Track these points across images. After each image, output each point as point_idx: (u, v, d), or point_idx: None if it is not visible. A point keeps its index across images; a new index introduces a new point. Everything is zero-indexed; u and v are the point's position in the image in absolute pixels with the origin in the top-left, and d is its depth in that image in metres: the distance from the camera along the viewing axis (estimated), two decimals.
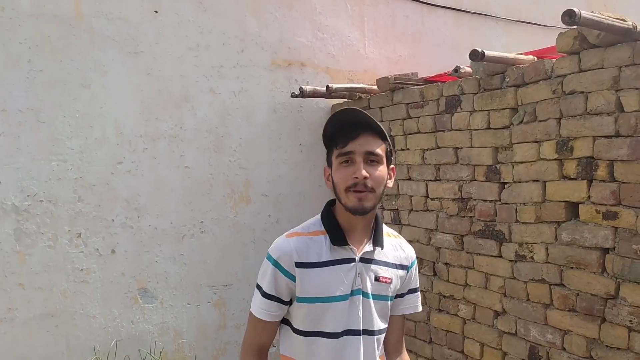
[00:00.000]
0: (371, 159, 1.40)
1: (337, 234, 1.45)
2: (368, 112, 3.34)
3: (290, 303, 1.45)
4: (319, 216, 1.51)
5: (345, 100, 3.60)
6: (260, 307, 1.45)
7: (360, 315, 1.45)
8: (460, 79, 2.71)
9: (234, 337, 3.40)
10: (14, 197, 2.89)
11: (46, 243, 2.97)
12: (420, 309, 1.64)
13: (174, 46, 3.28)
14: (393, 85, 3.08)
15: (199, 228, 3.36)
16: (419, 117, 2.96)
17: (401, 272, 1.54)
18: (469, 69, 2.67)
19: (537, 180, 2.31)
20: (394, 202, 3.19)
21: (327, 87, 3.33)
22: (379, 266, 1.49)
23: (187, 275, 3.34)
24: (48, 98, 2.95)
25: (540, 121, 2.28)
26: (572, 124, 2.14)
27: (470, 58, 2.38)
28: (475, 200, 2.64)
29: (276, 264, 1.42)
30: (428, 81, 3.07)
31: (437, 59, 4.13)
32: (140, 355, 3.16)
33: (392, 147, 1.50)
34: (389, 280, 1.50)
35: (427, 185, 2.93)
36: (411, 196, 3.05)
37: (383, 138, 1.45)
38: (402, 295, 1.57)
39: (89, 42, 3.06)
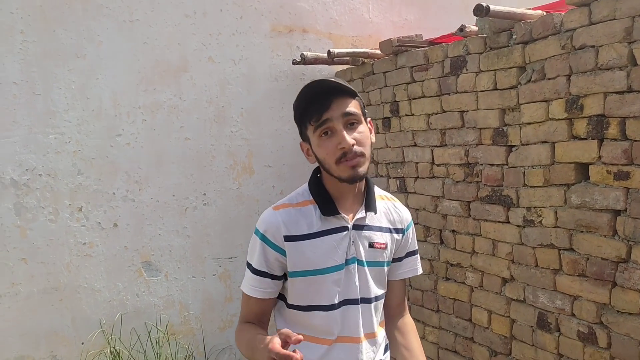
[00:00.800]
0: (350, 121, 1.34)
1: (326, 204, 1.40)
2: (371, 77, 3.26)
3: (284, 278, 1.41)
4: (306, 185, 1.45)
5: (349, 66, 3.49)
6: (251, 285, 1.40)
7: (357, 283, 1.41)
8: (466, 39, 2.59)
9: (239, 309, 3.37)
10: (13, 172, 2.86)
11: (47, 217, 2.95)
12: (420, 271, 1.59)
13: (170, 13, 3.18)
14: (396, 48, 2.96)
15: (201, 200, 3.32)
16: (423, 81, 2.85)
17: (397, 236, 1.49)
18: (475, 28, 2.55)
19: (546, 142, 2.21)
20: (399, 170, 3.10)
21: (329, 52, 3.23)
22: (372, 232, 1.44)
23: (191, 248, 3.31)
24: (42, 69, 2.89)
25: (549, 79, 2.17)
26: (582, 81, 2.02)
27: (475, 14, 2.26)
28: (481, 165, 2.54)
29: (264, 238, 1.37)
30: (432, 43, 2.95)
31: (445, 22, 3.97)
32: (146, 327, 3.15)
33: (363, 102, 1.43)
34: (384, 246, 1.45)
35: (432, 151, 2.84)
36: (417, 163, 2.96)
37: (354, 95, 1.37)
38: (399, 259, 1.53)
39: (83, 11, 2.98)
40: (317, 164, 1.42)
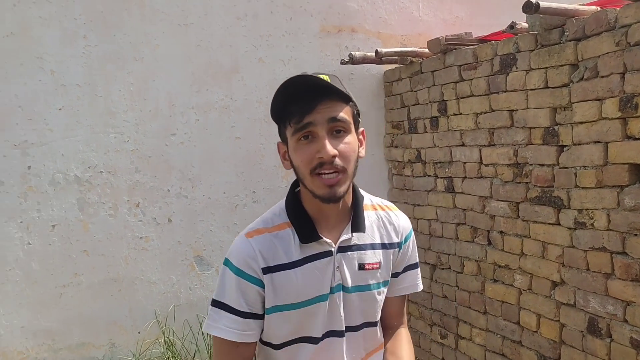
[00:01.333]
0: (336, 128, 1.14)
1: (305, 228, 1.20)
2: (419, 76, 3.25)
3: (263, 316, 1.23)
4: (282, 203, 1.26)
5: (397, 65, 3.49)
6: (230, 327, 1.19)
7: (342, 313, 1.25)
8: (516, 36, 2.54)
9: None
10: (76, 169, 3.03)
11: (107, 212, 3.11)
12: (420, 287, 1.41)
13: (223, 16, 3.28)
14: (445, 47, 2.94)
15: (251, 198, 3.40)
16: (471, 80, 2.81)
17: (393, 251, 1.32)
18: (525, 25, 2.49)
19: (599, 142, 2.14)
20: (446, 170, 3.07)
21: (376, 51, 3.24)
22: (362, 251, 1.26)
23: None
24: (103, 72, 3.05)
25: (603, 77, 2.10)
26: (637, 79, 1.94)
27: (524, 11, 2.22)
28: (531, 165, 2.49)
29: (240, 273, 1.18)
30: (482, 41, 2.90)
31: (497, 19, 3.87)
32: (198, 319, 3.27)
33: (358, 109, 1.23)
34: (377, 266, 1.27)
35: (480, 150, 2.80)
36: (464, 163, 2.92)
37: (347, 100, 1.18)
38: (396, 275, 1.35)
39: (140, 16, 3.12)
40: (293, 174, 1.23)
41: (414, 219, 3.42)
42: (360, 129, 1.25)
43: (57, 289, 3.00)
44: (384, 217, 1.33)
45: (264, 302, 1.21)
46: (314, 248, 1.21)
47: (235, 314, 1.19)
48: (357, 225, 1.25)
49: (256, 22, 3.36)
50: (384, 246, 1.30)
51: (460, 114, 2.92)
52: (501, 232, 2.70)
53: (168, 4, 3.17)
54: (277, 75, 3.42)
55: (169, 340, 3.15)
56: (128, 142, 3.13)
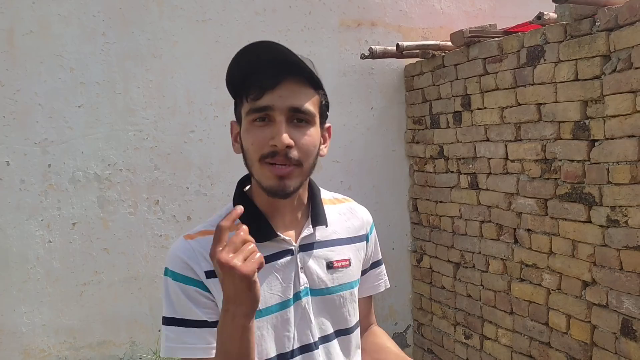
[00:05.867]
0: (298, 118, 1.01)
1: (258, 225, 1.03)
2: (442, 71, 3.16)
3: None
4: (230, 204, 1.10)
5: (418, 59, 3.41)
6: (191, 344, 1.00)
7: (313, 321, 1.08)
8: (544, 27, 2.45)
9: None
10: (96, 167, 3.02)
11: (127, 210, 3.10)
12: (387, 285, 1.29)
13: (241, 12, 3.24)
14: (468, 40, 2.86)
15: None
16: (496, 73, 2.73)
17: (360, 245, 1.19)
18: (554, 15, 2.41)
19: (633, 136, 2.05)
20: (470, 166, 3.00)
21: (397, 45, 3.17)
22: (328, 248, 1.12)
23: None
24: (122, 69, 3.04)
25: (637, 68, 2.00)
26: None
27: (554, 0, 2.13)
28: (560, 160, 2.40)
29: (180, 278, 1.01)
30: (507, 32, 2.81)
31: (522, 10, 3.78)
32: None
33: (327, 99, 1.08)
34: (347, 263, 1.13)
35: (506, 146, 2.71)
36: (489, 158, 2.84)
37: (316, 86, 1.04)
38: (364, 273, 1.22)
39: (159, 13, 3.10)
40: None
41: (436, 215, 3.35)
42: (327, 125, 1.11)
43: (77, 287, 3.00)
44: (346, 210, 1.20)
45: (216, 310, 1.01)
46: (269, 248, 1.04)
47: (193, 326, 1.01)
48: (317, 218, 1.11)
49: (275, 17, 3.32)
50: (351, 240, 1.16)
51: (485, 108, 2.84)
52: (528, 230, 2.62)
53: (186, 0, 3.14)
54: None
55: None
56: (147, 140, 3.11)
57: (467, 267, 3.08)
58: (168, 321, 1.03)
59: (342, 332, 1.14)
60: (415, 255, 3.62)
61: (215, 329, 0.97)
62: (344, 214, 1.19)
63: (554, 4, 2.26)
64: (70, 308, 2.99)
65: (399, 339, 3.74)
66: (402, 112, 3.64)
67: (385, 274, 1.30)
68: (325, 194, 1.19)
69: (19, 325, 2.88)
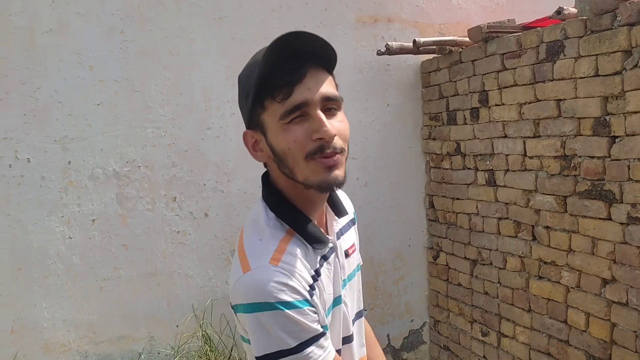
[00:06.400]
0: (329, 106, 0.97)
1: (313, 232, 1.00)
2: (459, 67, 3.14)
3: None
4: (263, 212, 1.02)
5: (435, 55, 3.39)
6: (318, 355, 0.96)
7: (349, 312, 1.12)
8: (564, 22, 2.42)
9: None
10: (115, 164, 3.06)
11: (145, 207, 3.13)
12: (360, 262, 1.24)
13: (257, 9, 3.25)
14: (486, 35, 2.83)
15: None
16: (515, 68, 2.70)
17: (355, 226, 1.21)
18: (574, 10, 2.38)
19: None
20: (488, 162, 2.98)
21: (414, 41, 3.15)
22: (342, 237, 1.13)
23: None
24: (140, 67, 3.06)
25: None
26: None
27: None
28: (580, 157, 2.38)
29: (301, 303, 0.93)
30: (526, 27, 2.79)
31: (541, 5, 3.74)
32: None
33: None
34: (354, 247, 1.16)
35: (524, 142, 2.69)
36: (507, 155, 2.82)
37: (330, 69, 1.01)
38: None
39: (176, 10, 3.11)
40: (264, 168, 1.06)
41: (452, 212, 3.34)
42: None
43: (97, 282, 3.04)
44: (340, 193, 1.19)
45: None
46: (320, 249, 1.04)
47: (317, 340, 0.95)
48: (338, 207, 1.11)
49: (291, 14, 3.31)
50: (351, 223, 1.17)
51: (503, 104, 2.82)
52: (547, 227, 2.59)
53: None
54: None
55: (207, 334, 3.15)
56: (165, 137, 3.14)
57: (484, 264, 3.07)
58: (286, 353, 0.93)
59: (359, 315, 1.18)
60: (432, 252, 3.61)
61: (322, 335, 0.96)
62: (340, 197, 1.18)
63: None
64: (90, 303, 3.03)
65: (415, 335, 3.74)
66: (418, 108, 3.62)
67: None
68: None
69: (39, 320, 2.93)
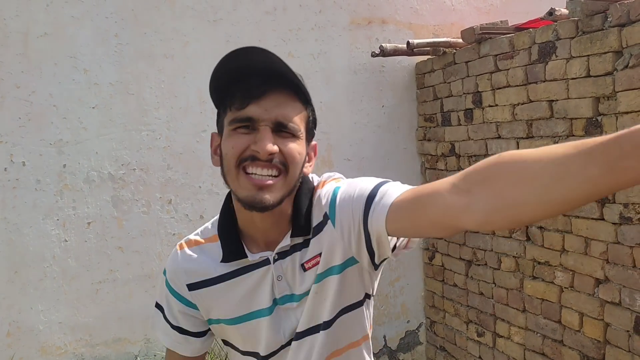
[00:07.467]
0: (283, 131, 0.94)
1: (229, 245, 1.02)
2: (453, 67, 3.15)
3: (204, 333, 1.13)
4: (216, 218, 1.11)
5: (429, 56, 3.40)
6: (164, 333, 1.13)
7: (296, 322, 1.04)
8: (556, 23, 2.43)
9: None
10: (110, 166, 3.06)
11: (140, 209, 3.14)
12: (393, 198, 0.95)
13: (252, 11, 3.26)
14: (479, 36, 2.85)
15: None
16: (508, 69, 2.71)
17: (326, 227, 1.01)
18: (565, 11, 2.39)
19: None
20: None
21: (408, 43, 3.16)
22: (303, 249, 1.03)
23: None
24: (135, 70, 3.07)
25: None
26: None
27: None
28: None
29: (169, 286, 1.09)
30: (519, 29, 2.80)
31: (534, 6, 3.76)
32: None
33: (315, 116, 1.02)
34: (318, 261, 1.01)
35: (518, 143, 2.70)
36: None
37: (305, 101, 0.98)
38: (365, 220, 0.96)
39: (171, 13, 3.12)
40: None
41: None
42: (313, 143, 1.04)
43: (93, 285, 3.05)
44: (317, 200, 1.04)
45: (194, 323, 1.10)
46: (244, 259, 1.03)
47: (167, 322, 1.11)
48: (299, 228, 1.01)
49: (285, 16, 3.33)
50: (316, 230, 1.01)
51: (496, 105, 2.83)
52: (541, 228, 2.60)
53: (197, 0, 3.16)
54: (307, 69, 3.38)
55: None
56: (160, 140, 3.14)
57: (479, 265, 3.08)
58: (156, 305, 1.14)
59: (328, 325, 1.04)
60: (427, 253, 3.61)
61: (181, 335, 1.11)
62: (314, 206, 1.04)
63: (566, 0, 2.24)
64: (86, 306, 3.03)
65: (411, 336, 3.74)
66: (413, 109, 3.63)
67: (389, 187, 0.99)
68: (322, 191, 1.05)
69: (36, 323, 2.94)
